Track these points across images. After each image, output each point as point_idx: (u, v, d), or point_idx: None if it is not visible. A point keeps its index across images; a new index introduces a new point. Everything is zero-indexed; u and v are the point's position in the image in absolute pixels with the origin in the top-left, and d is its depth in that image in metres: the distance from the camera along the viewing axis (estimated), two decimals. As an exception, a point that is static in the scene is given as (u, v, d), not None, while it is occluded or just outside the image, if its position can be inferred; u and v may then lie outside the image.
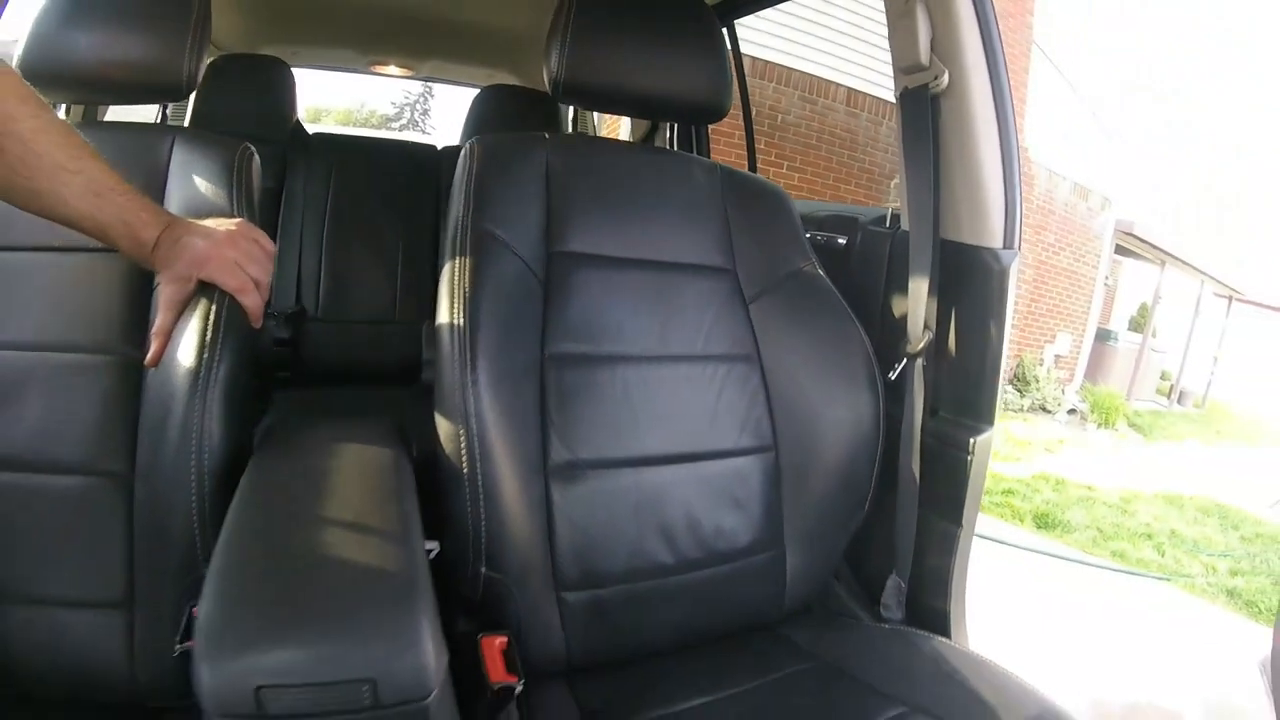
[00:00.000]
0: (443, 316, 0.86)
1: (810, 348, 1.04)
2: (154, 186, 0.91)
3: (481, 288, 0.87)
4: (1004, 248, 1.05)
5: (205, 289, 0.80)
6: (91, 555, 0.78)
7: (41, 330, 0.82)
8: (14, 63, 0.86)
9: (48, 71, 0.90)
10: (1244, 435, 9.73)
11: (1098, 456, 6.02)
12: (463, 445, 0.83)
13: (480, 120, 2.10)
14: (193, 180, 0.91)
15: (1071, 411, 7.51)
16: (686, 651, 0.97)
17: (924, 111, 1.05)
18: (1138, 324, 10.71)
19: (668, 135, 1.18)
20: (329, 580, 0.58)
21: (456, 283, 0.88)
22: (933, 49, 1.04)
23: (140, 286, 0.85)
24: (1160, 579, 3.40)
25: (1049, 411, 7.31)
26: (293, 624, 0.53)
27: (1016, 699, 0.85)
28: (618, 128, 3.73)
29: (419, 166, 2.01)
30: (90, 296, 0.85)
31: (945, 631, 1.03)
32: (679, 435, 0.97)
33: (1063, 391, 7.70)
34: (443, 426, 0.85)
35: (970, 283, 1.05)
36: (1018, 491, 4.30)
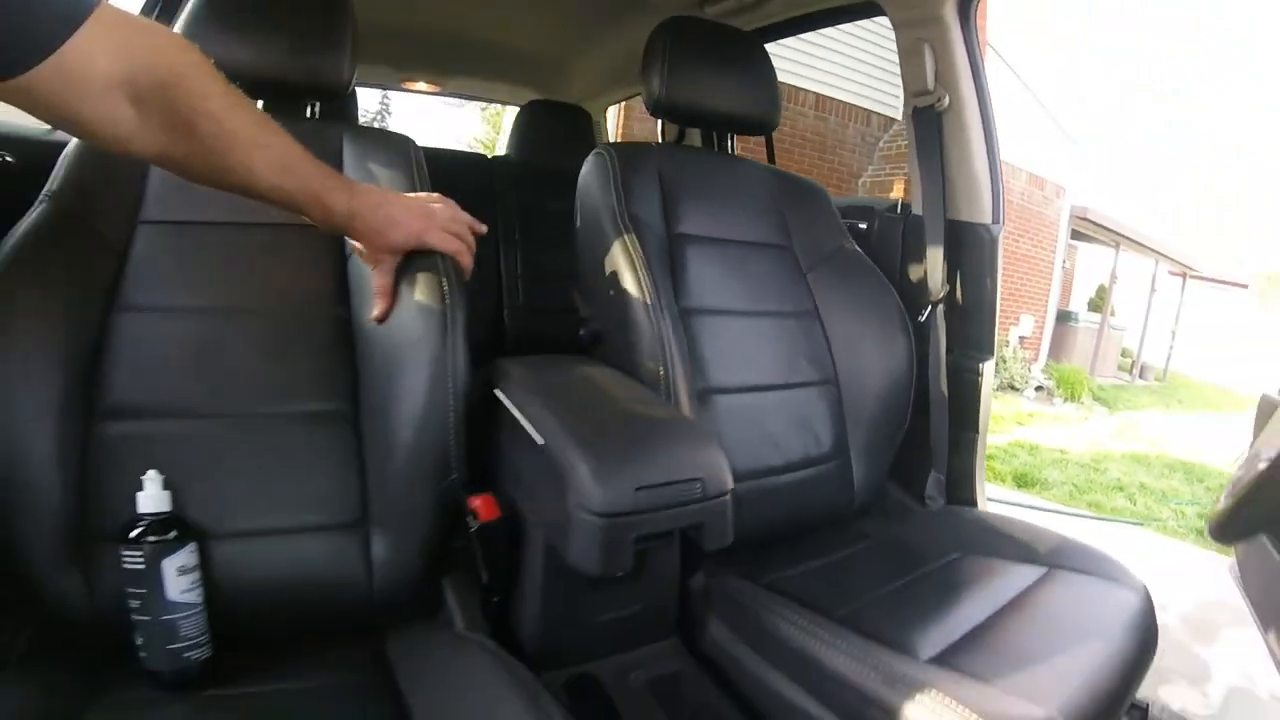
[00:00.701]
0: (628, 282, 1.13)
1: (856, 305, 1.37)
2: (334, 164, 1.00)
3: (649, 258, 1.16)
4: (993, 223, 1.41)
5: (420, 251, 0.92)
6: (329, 484, 0.90)
7: (264, 294, 0.96)
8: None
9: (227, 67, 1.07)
10: (1205, 403, 10.23)
11: (1066, 426, 6.43)
12: (660, 376, 1.09)
13: (526, 130, 2.37)
14: (370, 170, 1.04)
15: (1039, 388, 7.96)
16: (792, 535, 1.22)
17: (931, 124, 1.41)
18: (1096, 305, 11.20)
19: (715, 141, 1.48)
20: (652, 426, 0.89)
21: (631, 253, 1.15)
22: (936, 78, 1.39)
23: (337, 253, 1.00)
24: (1135, 524, 3.77)
25: (1017, 389, 7.75)
26: (649, 448, 0.84)
27: (1040, 536, 1.19)
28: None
29: (482, 174, 2.28)
30: (300, 264, 0.99)
31: (974, 505, 1.37)
32: (770, 370, 1.29)
33: (1029, 370, 8.15)
34: (643, 365, 1.10)
35: (970, 250, 1.41)
36: (997, 456, 4.66)
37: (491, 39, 2.28)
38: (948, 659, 0.86)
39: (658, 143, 1.38)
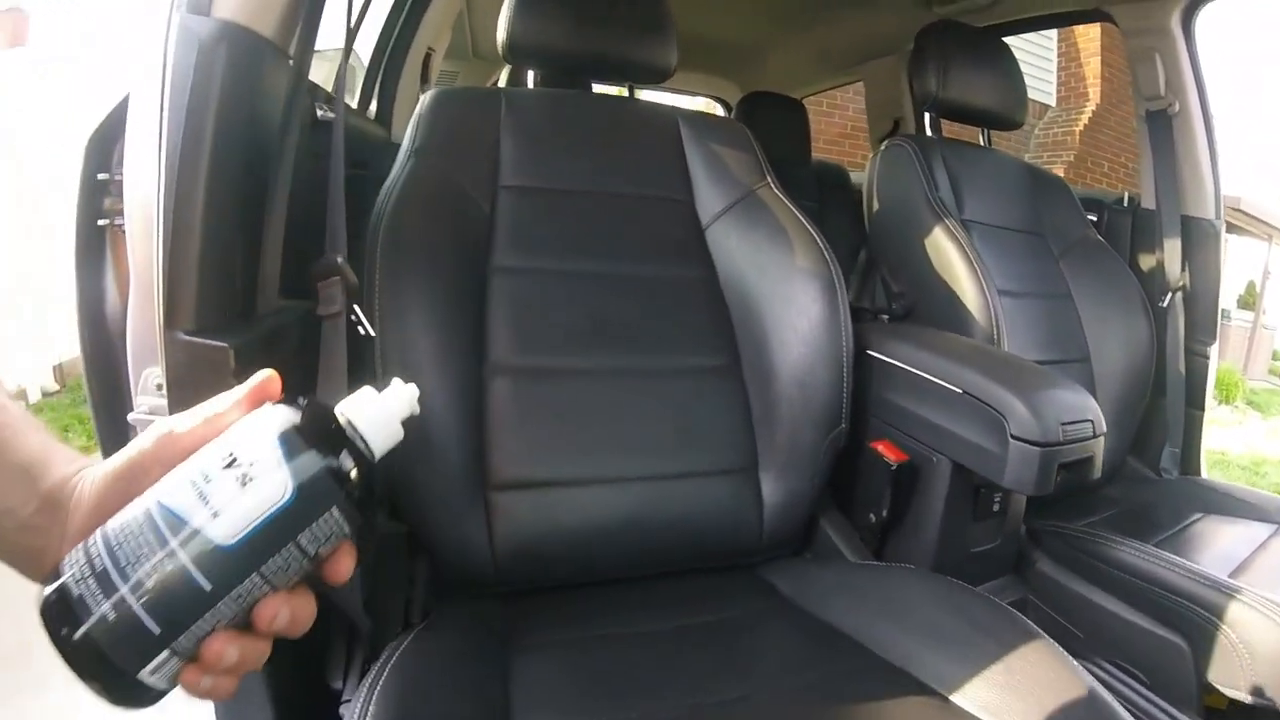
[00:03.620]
0: (955, 260, 1.26)
1: (1103, 290, 1.48)
2: (675, 154, 1.11)
3: (972, 239, 1.31)
4: (1216, 218, 1.54)
5: None
6: (721, 433, 0.98)
7: (631, 258, 1.03)
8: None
9: (532, 48, 1.09)
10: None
11: (1223, 428, 6.03)
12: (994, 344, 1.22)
13: (745, 123, 2.35)
14: (713, 152, 1.10)
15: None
16: (1051, 501, 1.08)
17: (1164, 127, 1.54)
18: (1247, 302, 10.46)
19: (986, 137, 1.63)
20: (1043, 374, 0.99)
21: (956, 234, 1.28)
22: (1166, 85, 1.52)
23: (692, 220, 1.08)
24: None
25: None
26: (1056, 391, 0.95)
27: (1267, 499, 1.31)
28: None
29: None
30: (658, 231, 1.06)
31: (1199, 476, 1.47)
32: (1046, 348, 1.41)
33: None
34: (975, 335, 1.23)
35: (1198, 242, 1.54)
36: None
37: (688, 29, 2.32)
38: (1240, 577, 1.02)
39: (936, 135, 1.49)
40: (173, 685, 0.33)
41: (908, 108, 2.01)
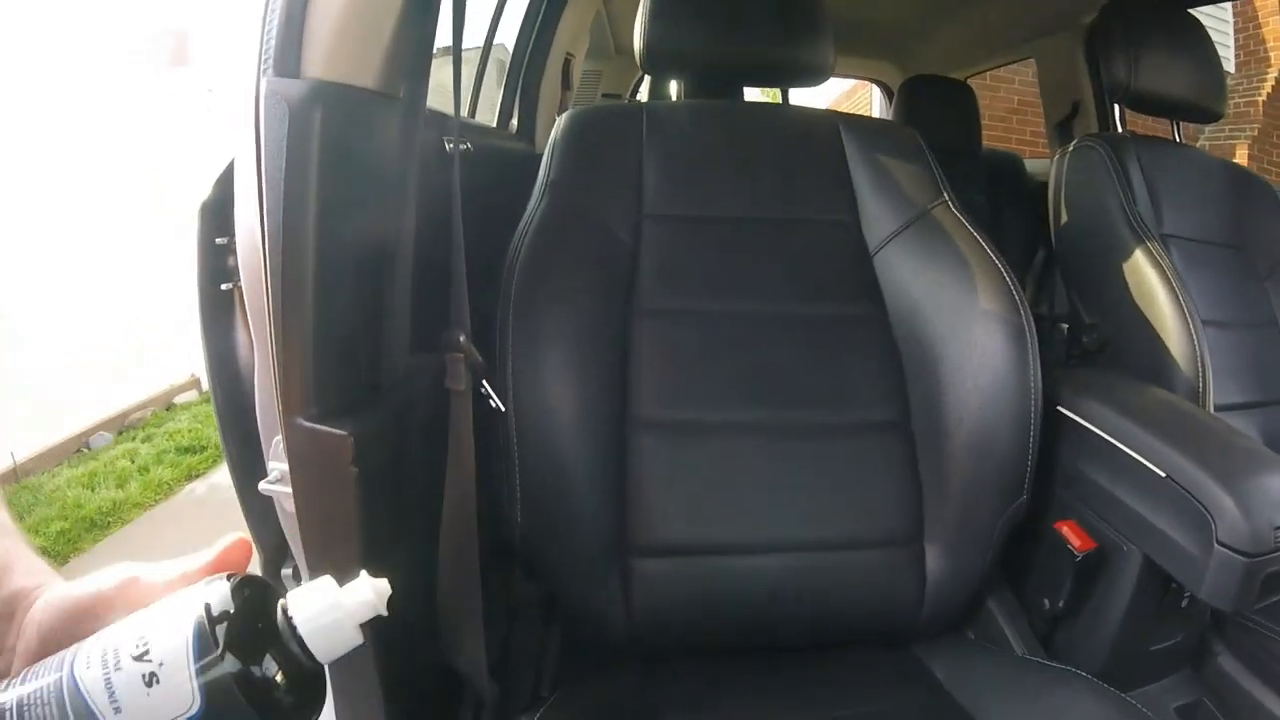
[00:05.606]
0: (1158, 291, 1.08)
1: None
2: (836, 167, 0.98)
3: (1178, 268, 1.13)
4: None
5: None
6: (883, 498, 0.87)
7: (786, 294, 0.92)
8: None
9: (674, 55, 1.01)
10: None
11: None
12: (1198, 392, 1.05)
13: (909, 106, 2.09)
14: (878, 162, 0.97)
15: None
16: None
17: None
18: None
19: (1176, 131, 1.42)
20: (1257, 456, 0.83)
21: (1160, 260, 1.09)
22: None
23: (857, 246, 0.95)
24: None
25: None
26: (1273, 485, 0.78)
27: None
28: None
29: None
30: (818, 259, 0.94)
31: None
32: (1252, 386, 1.19)
33: None
34: (1177, 379, 1.06)
35: None
36: None
37: (845, 10, 2.16)
38: None
39: (1130, 133, 1.28)
40: None
41: (1086, 88, 1.76)
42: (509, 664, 0.81)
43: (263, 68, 0.59)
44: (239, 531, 0.37)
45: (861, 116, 1.07)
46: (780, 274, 0.93)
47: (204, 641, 0.30)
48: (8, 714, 0.30)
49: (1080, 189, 1.18)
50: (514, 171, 1.16)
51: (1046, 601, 0.93)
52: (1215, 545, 0.76)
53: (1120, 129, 1.50)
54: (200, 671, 0.29)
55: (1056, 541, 0.90)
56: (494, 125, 1.61)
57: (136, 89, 3.78)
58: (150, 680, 0.29)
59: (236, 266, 0.73)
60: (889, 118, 2.39)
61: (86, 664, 0.30)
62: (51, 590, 0.36)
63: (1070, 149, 1.22)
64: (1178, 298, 1.05)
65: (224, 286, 0.72)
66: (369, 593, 0.34)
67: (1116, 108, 1.54)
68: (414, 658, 0.75)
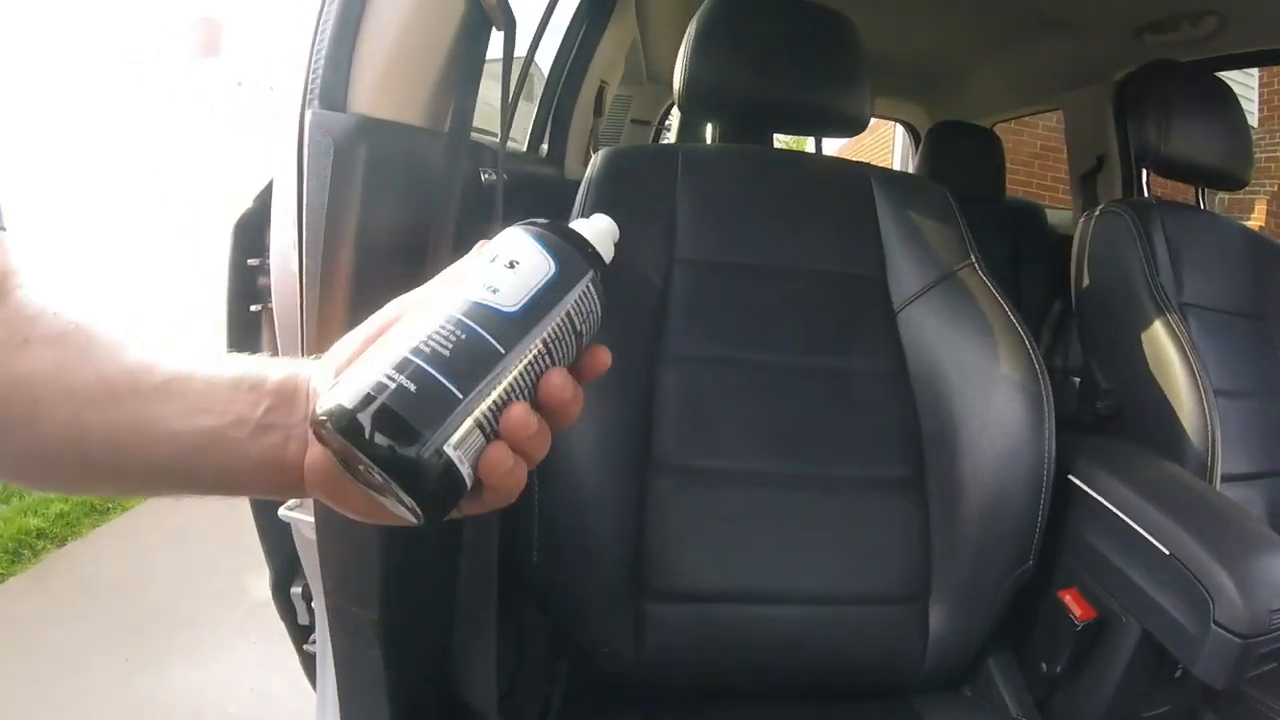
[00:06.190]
0: (1174, 364, 1.09)
1: None
2: (867, 221, 0.98)
3: (1194, 340, 1.13)
4: None
5: None
6: (892, 554, 0.88)
7: (813, 346, 0.93)
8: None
9: (714, 98, 1.03)
10: None
11: None
12: (1207, 467, 1.07)
13: (934, 153, 2.12)
14: (909, 220, 0.98)
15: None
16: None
17: None
18: None
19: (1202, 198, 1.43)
20: (1261, 538, 0.84)
21: (1177, 333, 1.10)
22: None
23: (883, 305, 0.95)
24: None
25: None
26: (1273, 564, 0.79)
27: None
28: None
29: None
30: (845, 314, 0.95)
31: None
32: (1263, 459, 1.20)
33: None
34: (1187, 450, 1.07)
35: None
36: None
37: (877, 51, 2.17)
38: None
39: (1155, 198, 1.29)
40: (474, 469, 0.33)
41: (1112, 144, 1.77)
42: (517, 697, 0.82)
43: (309, 97, 0.60)
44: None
45: (894, 171, 1.10)
46: (805, 325, 0.94)
47: (539, 235, 0.36)
48: (372, 350, 0.33)
49: (1104, 255, 1.19)
50: (546, 197, 1.17)
51: (1044, 665, 0.93)
52: (1212, 625, 0.77)
53: (1146, 191, 1.51)
54: (546, 248, 0.36)
55: (1058, 608, 0.91)
56: (524, 149, 1.61)
57: (137, 86, 3.77)
58: (511, 264, 0.35)
59: (267, 288, 0.74)
60: (912, 159, 2.40)
61: (450, 289, 0.35)
62: (320, 364, 0.38)
63: (1096, 214, 1.24)
64: (1193, 370, 1.07)
65: (254, 308, 0.73)
66: (609, 221, 0.42)
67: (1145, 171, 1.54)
68: (426, 687, 0.76)
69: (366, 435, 0.31)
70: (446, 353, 0.32)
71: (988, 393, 0.88)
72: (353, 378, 0.32)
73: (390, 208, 0.63)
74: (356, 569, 0.64)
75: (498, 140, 0.82)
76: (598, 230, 0.40)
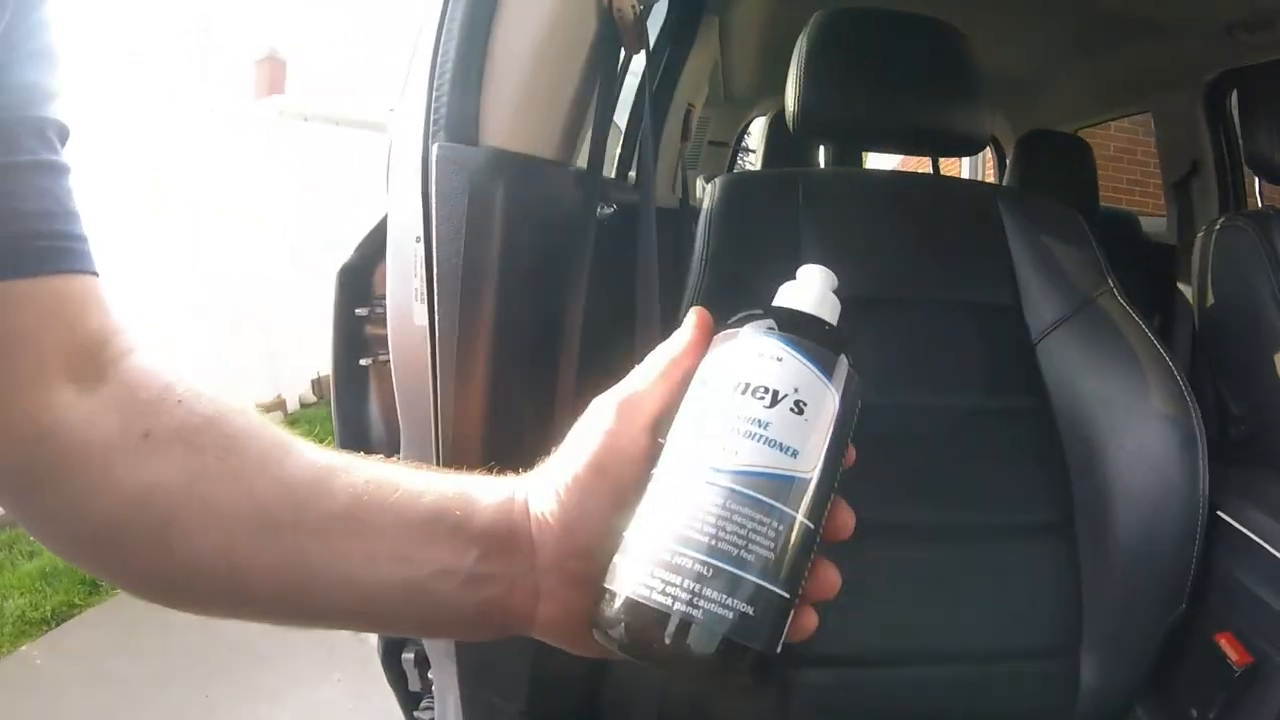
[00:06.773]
0: None
1: None
2: (997, 246, 0.94)
3: None
4: None
5: None
6: (1041, 605, 0.84)
7: (944, 383, 0.90)
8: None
9: (829, 121, 1.00)
10: None
11: None
12: None
13: (1026, 163, 2.04)
14: (1042, 244, 0.93)
15: None
16: None
17: None
18: None
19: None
20: None
21: None
22: None
23: (1019, 334, 0.90)
24: None
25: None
26: None
27: None
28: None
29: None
30: (978, 348, 0.91)
31: None
32: None
33: None
34: None
35: None
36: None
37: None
38: None
39: (1271, 208, 1.22)
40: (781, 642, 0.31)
41: (1206, 148, 1.69)
42: None
43: (432, 130, 0.56)
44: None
45: (1020, 192, 1.06)
46: (939, 363, 0.90)
47: (797, 345, 0.32)
48: (677, 559, 0.28)
49: (1227, 272, 1.12)
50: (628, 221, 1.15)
51: (1194, 711, 0.88)
52: None
53: (1259, 200, 1.43)
54: (814, 365, 0.31)
55: (1212, 652, 0.86)
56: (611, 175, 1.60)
57: (137, 86, 3.83)
58: (798, 408, 0.30)
59: (376, 339, 0.72)
60: (982, 169, 2.33)
61: (725, 454, 0.30)
62: (530, 485, 0.33)
63: (1216, 228, 1.17)
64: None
65: (362, 362, 0.71)
66: (822, 270, 0.37)
67: (1256, 179, 1.46)
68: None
69: (706, 668, 0.28)
70: (770, 555, 0.29)
71: (1140, 430, 0.84)
72: (653, 586, 0.28)
73: (530, 255, 0.61)
74: (502, 656, 0.61)
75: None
76: (835, 307, 0.36)
